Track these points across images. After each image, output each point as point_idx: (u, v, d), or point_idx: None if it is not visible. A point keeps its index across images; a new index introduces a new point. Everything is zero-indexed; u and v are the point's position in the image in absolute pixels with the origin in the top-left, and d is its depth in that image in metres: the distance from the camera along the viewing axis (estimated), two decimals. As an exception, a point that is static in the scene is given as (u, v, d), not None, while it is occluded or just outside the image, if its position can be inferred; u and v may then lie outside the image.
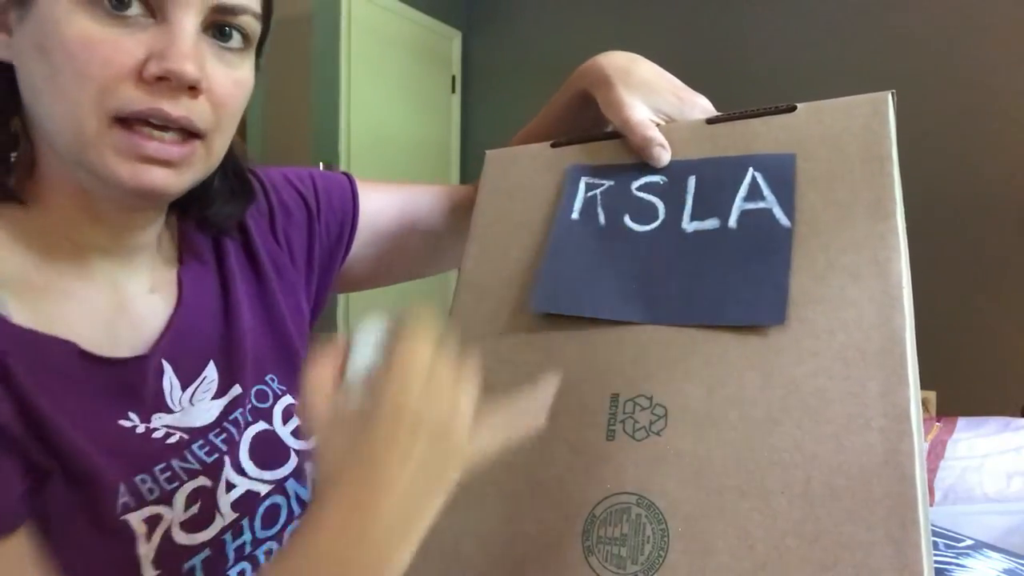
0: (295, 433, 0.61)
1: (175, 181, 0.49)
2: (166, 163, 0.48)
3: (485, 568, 0.50)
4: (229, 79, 0.50)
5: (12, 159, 0.50)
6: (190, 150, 0.49)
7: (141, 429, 0.52)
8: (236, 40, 0.50)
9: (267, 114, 3.54)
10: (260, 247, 0.66)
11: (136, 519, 0.49)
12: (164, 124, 0.47)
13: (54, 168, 0.51)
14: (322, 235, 0.71)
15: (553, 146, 0.63)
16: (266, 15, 0.53)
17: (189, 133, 0.48)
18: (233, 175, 0.61)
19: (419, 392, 0.40)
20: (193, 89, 0.47)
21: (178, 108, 0.47)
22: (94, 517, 0.47)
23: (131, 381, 0.52)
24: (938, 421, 1.56)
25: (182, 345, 0.56)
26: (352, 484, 0.39)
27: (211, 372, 0.58)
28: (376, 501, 0.39)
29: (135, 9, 0.45)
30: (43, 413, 0.46)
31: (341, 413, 0.41)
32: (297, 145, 3.08)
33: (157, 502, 0.50)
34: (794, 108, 0.54)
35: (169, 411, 0.54)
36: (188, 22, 0.46)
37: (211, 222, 0.61)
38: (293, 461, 0.60)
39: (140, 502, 0.49)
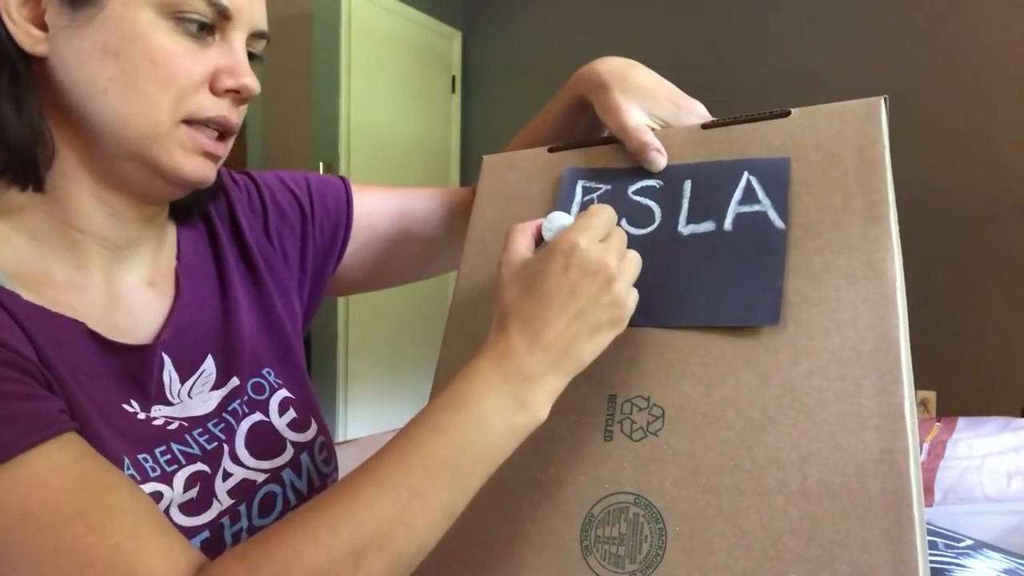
0: (291, 425, 0.62)
1: (213, 173, 0.56)
2: (215, 157, 0.55)
3: (484, 567, 0.51)
4: None
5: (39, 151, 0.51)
6: (226, 147, 0.56)
7: (142, 416, 0.53)
8: (255, 58, 0.57)
9: (267, 114, 3.55)
10: (253, 246, 0.67)
11: None
12: (220, 128, 0.54)
13: (76, 162, 0.53)
14: (316, 236, 0.71)
15: (550, 151, 0.63)
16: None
17: (224, 133, 0.55)
18: None
19: (596, 240, 0.48)
20: (245, 100, 0.55)
21: (236, 116, 0.55)
22: None
23: (135, 369, 0.54)
24: (938, 421, 1.56)
25: (180, 339, 0.58)
26: (519, 314, 0.47)
27: (209, 366, 0.59)
28: (537, 331, 0.46)
29: (206, 30, 0.52)
30: (59, 372, 0.48)
31: (527, 261, 0.49)
32: (297, 145, 3.08)
33: (158, 480, 0.51)
34: (788, 113, 0.55)
35: (168, 404, 0.56)
36: (240, 43, 0.54)
37: (175, 208, 0.63)
38: (289, 452, 0.61)
39: (143, 478, 0.50)
